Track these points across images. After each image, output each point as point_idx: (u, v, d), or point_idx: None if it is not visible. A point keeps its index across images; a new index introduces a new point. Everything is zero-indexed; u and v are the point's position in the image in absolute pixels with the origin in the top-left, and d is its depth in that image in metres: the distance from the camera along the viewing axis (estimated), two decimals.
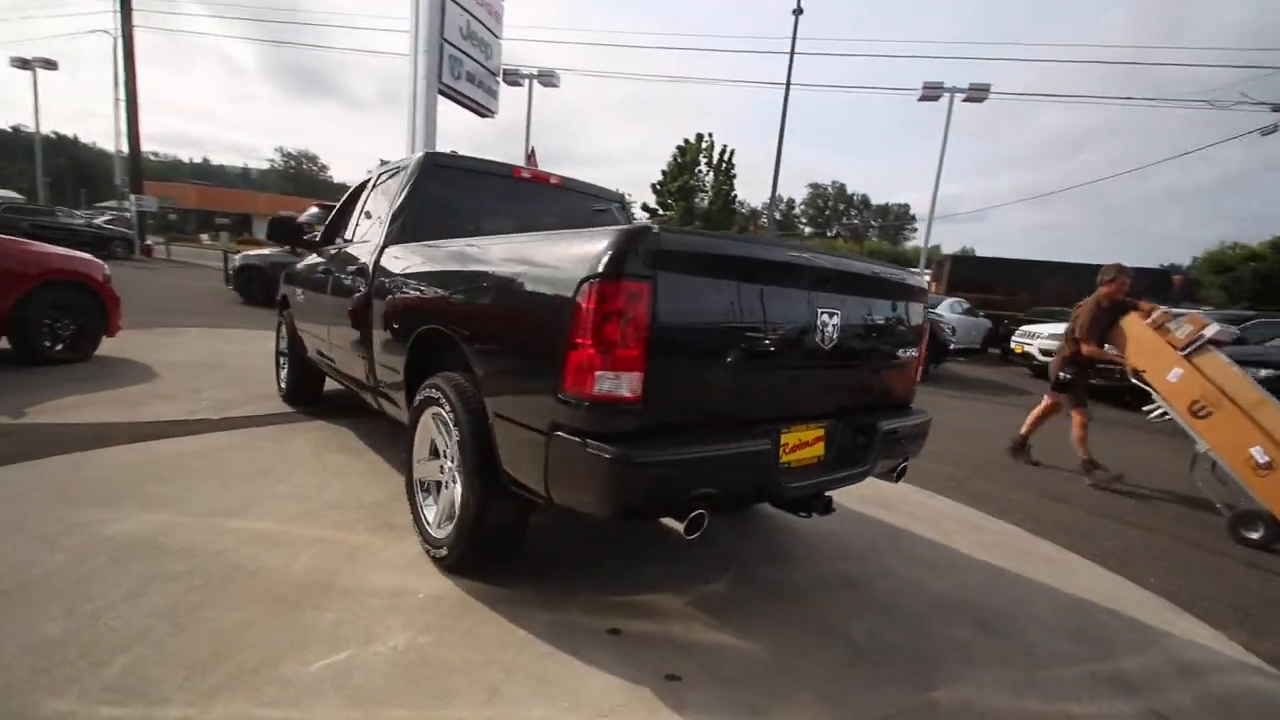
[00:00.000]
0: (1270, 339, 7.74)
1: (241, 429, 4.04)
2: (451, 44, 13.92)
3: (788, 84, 16.63)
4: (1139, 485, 5.00)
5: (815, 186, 78.56)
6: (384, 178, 3.58)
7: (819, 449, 2.23)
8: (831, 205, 79.57)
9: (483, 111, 16.23)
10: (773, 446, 1.97)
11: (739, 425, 1.99)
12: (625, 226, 1.71)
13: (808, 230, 73.78)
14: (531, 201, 3.57)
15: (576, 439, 1.70)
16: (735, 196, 29.18)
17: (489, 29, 15.56)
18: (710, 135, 28.55)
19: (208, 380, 5.24)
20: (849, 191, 79.26)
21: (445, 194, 3.22)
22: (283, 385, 4.86)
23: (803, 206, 78.34)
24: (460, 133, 35.11)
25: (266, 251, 11.82)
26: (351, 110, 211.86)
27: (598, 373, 1.65)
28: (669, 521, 1.86)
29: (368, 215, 3.63)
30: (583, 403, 1.69)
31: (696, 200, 28.55)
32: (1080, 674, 2.19)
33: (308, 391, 4.74)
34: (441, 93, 14.27)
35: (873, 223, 77.92)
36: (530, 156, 19.08)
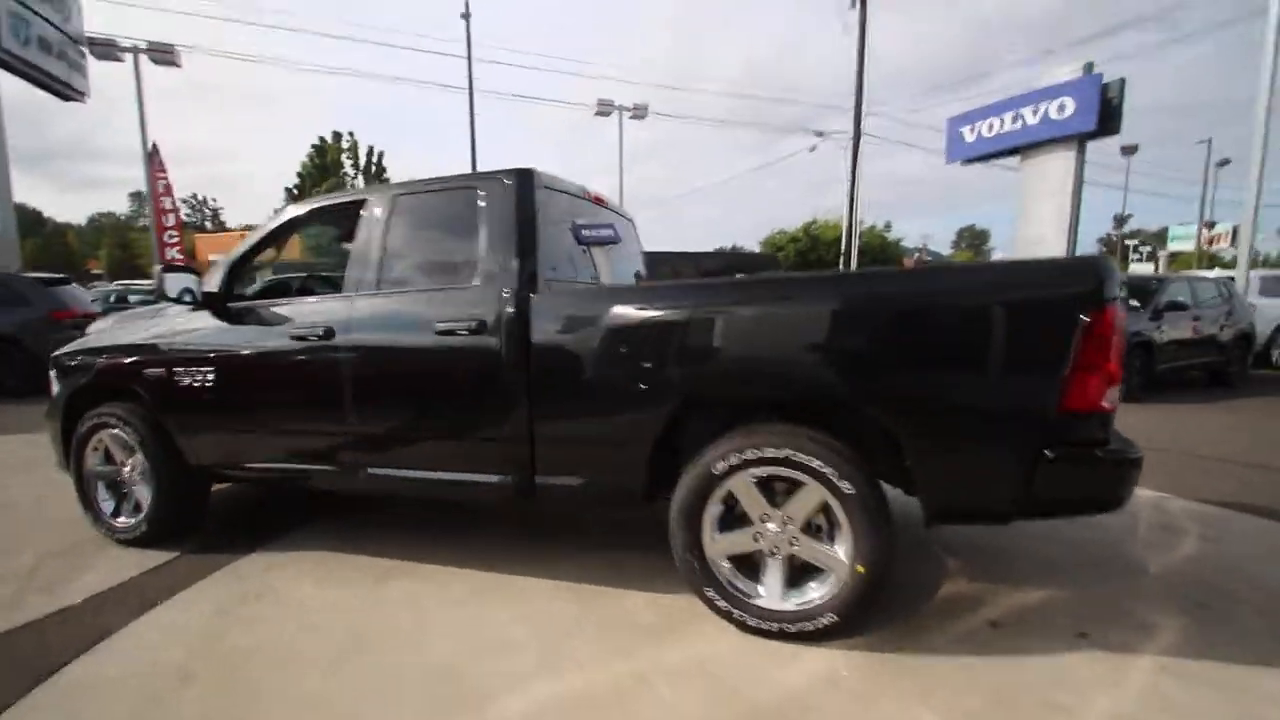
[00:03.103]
0: None
1: (159, 609, 2.54)
2: None
3: (470, 89, 16.27)
4: None
5: None
6: (422, 200, 2.66)
7: None
8: None
9: (67, 92, 11.62)
10: None
11: None
12: (1100, 257, 1.91)
13: None
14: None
15: (1082, 449, 1.88)
16: None
17: None
18: (352, 134, 25.86)
19: None
20: None
21: (555, 225, 2.64)
22: (122, 523, 3.10)
23: None
24: None
25: None
26: None
27: (1108, 388, 1.85)
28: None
29: (394, 253, 2.65)
30: (1086, 417, 1.87)
31: None
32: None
33: (194, 514, 3.18)
34: (2, 64, 9.71)
35: None
36: (153, 155, 14.35)
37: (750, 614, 2.18)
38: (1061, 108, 17.04)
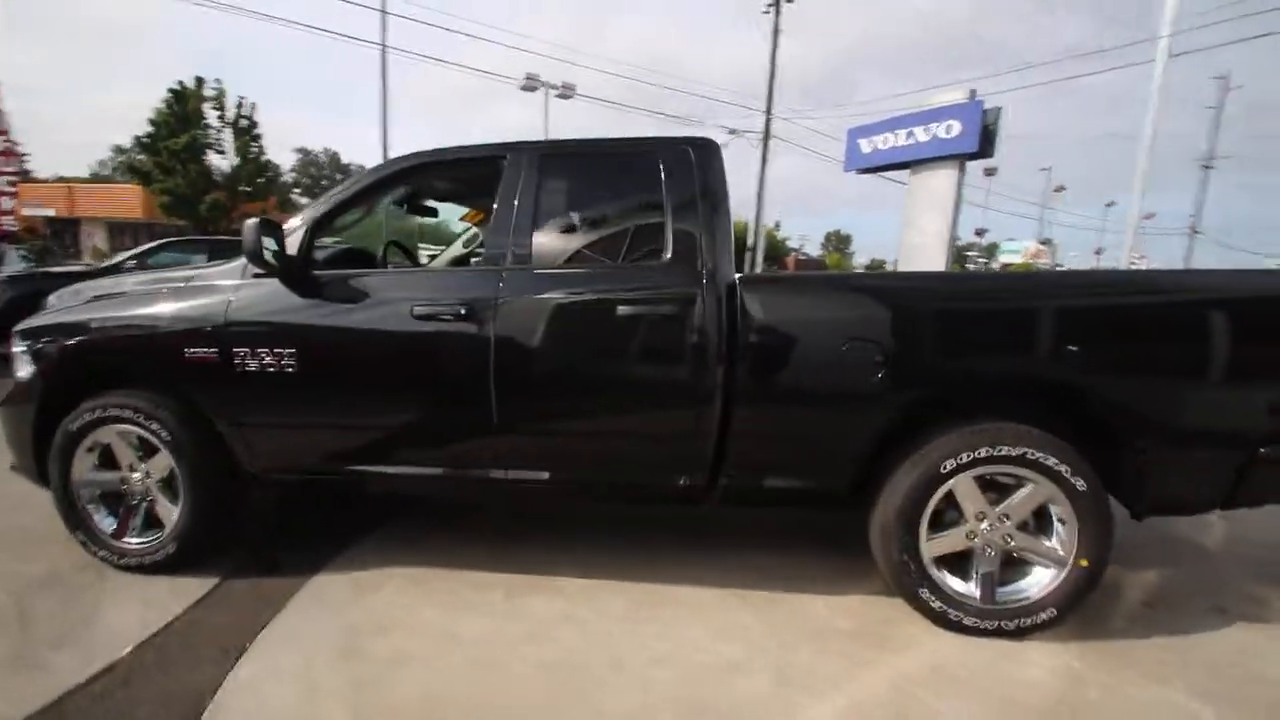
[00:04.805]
0: None
1: (255, 653, 2.04)
2: None
3: (383, 46, 14.75)
4: None
5: (305, 153, 69.97)
6: (583, 163, 2.32)
7: None
8: (327, 174, 72.77)
9: None
10: None
11: None
12: None
13: (303, 200, 65.78)
14: None
15: None
16: (267, 161, 24.05)
17: None
18: (218, 82, 22.57)
19: None
20: (344, 161, 73.69)
21: None
22: (135, 544, 2.46)
23: (293, 174, 68.92)
24: None
25: None
26: None
27: None
28: None
29: (549, 222, 2.28)
30: None
31: (211, 161, 22.49)
32: None
33: (226, 523, 2.63)
34: None
35: None
36: None
37: (967, 613, 2.14)
38: (949, 129, 18.71)
